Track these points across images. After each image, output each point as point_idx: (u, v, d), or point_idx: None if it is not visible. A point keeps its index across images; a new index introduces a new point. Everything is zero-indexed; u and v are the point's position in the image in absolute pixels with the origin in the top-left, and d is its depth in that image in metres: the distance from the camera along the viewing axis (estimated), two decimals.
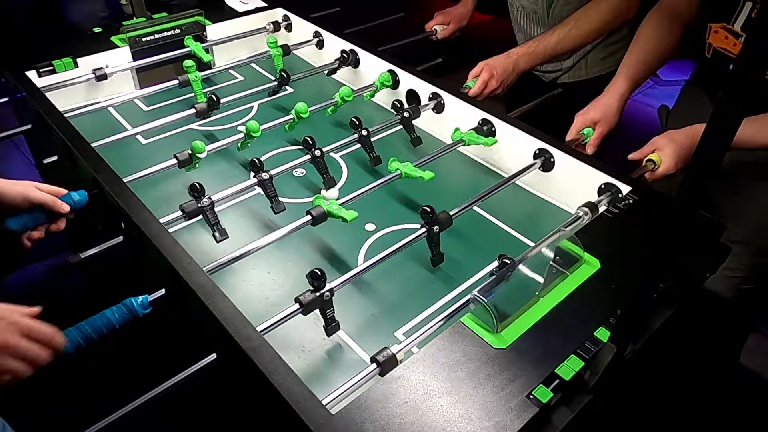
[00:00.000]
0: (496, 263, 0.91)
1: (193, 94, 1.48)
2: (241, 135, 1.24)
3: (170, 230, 0.94)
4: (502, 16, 1.77)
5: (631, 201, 1.03)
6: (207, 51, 1.57)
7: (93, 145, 1.13)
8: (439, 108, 1.38)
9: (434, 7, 1.99)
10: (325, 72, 1.57)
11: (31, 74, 1.37)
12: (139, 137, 1.35)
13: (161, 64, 1.52)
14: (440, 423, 0.68)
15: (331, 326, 0.88)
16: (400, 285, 1.01)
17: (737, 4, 1.18)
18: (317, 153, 1.16)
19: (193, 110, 1.31)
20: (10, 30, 2.38)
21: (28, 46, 1.47)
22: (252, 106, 1.49)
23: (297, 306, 0.84)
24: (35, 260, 1.75)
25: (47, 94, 1.29)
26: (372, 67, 1.51)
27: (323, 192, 1.20)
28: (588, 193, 1.12)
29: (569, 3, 1.53)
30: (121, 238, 0.99)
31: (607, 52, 1.62)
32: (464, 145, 1.24)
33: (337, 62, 1.56)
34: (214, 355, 0.80)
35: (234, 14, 1.72)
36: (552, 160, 1.19)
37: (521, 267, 0.87)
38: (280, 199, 1.12)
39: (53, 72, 1.40)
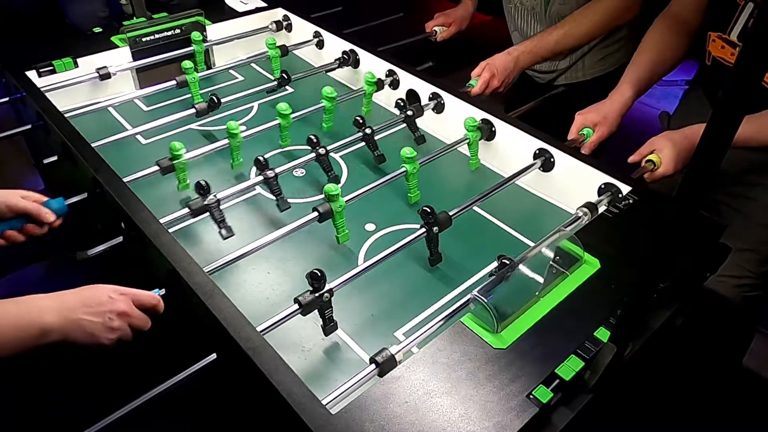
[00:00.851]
0: (496, 263, 0.91)
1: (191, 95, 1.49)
2: (237, 136, 1.24)
3: (170, 230, 0.94)
4: (501, 17, 1.77)
5: (631, 201, 1.03)
6: (207, 52, 1.57)
7: (93, 145, 1.13)
8: (439, 108, 1.38)
9: (434, 7, 1.99)
10: (325, 72, 1.57)
11: (31, 74, 1.37)
12: (139, 137, 1.35)
13: (161, 64, 1.52)
14: (440, 423, 0.68)
15: (329, 326, 0.89)
16: (400, 285, 1.01)
17: (733, 14, 1.18)
18: (321, 151, 1.17)
19: (193, 110, 1.31)
20: (11, 30, 2.38)
21: (28, 46, 1.47)
22: (252, 106, 1.49)
23: (296, 306, 0.84)
24: (35, 260, 1.75)
25: (47, 94, 1.29)
26: (372, 67, 1.51)
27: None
28: (588, 193, 1.12)
29: (566, 2, 1.53)
30: (121, 238, 0.99)
31: (605, 54, 1.62)
32: (468, 143, 1.25)
33: (337, 62, 1.56)
34: (214, 355, 0.80)
35: (234, 14, 1.72)
36: (552, 160, 1.19)
37: (521, 267, 0.87)
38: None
39: (53, 72, 1.40)
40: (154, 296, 0.84)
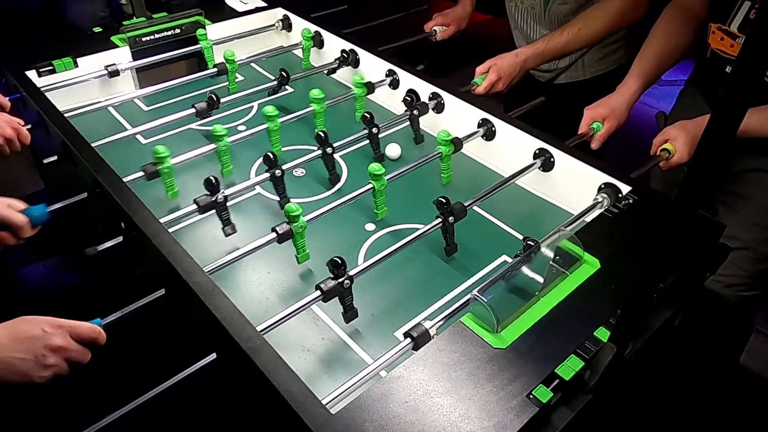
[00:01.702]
0: (496, 263, 0.91)
1: (192, 94, 1.49)
2: (241, 135, 1.24)
3: (170, 230, 0.94)
4: (501, 16, 1.77)
5: (631, 201, 1.03)
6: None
7: (93, 145, 1.13)
8: (439, 108, 1.38)
9: (434, 7, 1.99)
10: (325, 72, 1.57)
11: (31, 74, 1.37)
12: (139, 137, 1.35)
13: (161, 64, 1.52)
14: (440, 423, 0.68)
15: (350, 313, 0.91)
16: (400, 285, 1.01)
17: (734, 6, 1.18)
18: (329, 150, 1.18)
19: (193, 110, 1.31)
20: (11, 30, 2.38)
21: (28, 46, 1.47)
22: (252, 106, 1.49)
23: (318, 293, 0.85)
24: (36, 260, 1.75)
25: (47, 94, 1.29)
26: (372, 67, 1.51)
27: (387, 151, 1.28)
28: (588, 193, 1.12)
29: (565, 2, 1.53)
30: (120, 238, 0.99)
31: (605, 53, 1.62)
32: (440, 157, 1.19)
33: (337, 62, 1.56)
34: (214, 355, 0.80)
35: (234, 14, 1.72)
36: (552, 160, 1.19)
37: (521, 267, 0.87)
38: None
39: (53, 72, 1.40)
40: (93, 328, 0.79)
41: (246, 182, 1.09)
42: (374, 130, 1.25)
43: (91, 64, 1.45)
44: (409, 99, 1.35)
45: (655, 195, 1.07)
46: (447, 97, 1.36)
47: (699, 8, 1.28)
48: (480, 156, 1.33)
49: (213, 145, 1.19)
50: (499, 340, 0.78)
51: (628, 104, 1.29)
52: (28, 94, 1.28)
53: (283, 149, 1.33)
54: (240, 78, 1.61)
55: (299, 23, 1.71)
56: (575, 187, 1.16)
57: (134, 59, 1.50)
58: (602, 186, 1.11)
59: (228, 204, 1.04)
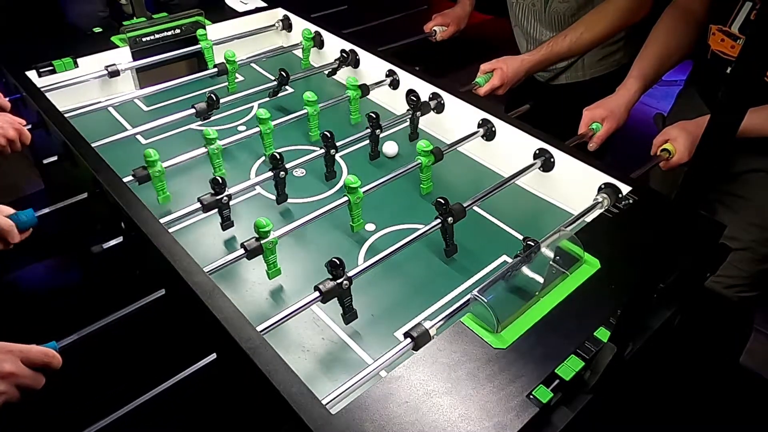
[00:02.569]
0: (496, 263, 0.91)
1: (192, 94, 1.49)
2: (241, 135, 1.24)
3: (170, 230, 0.94)
4: (501, 16, 1.77)
5: (631, 201, 1.03)
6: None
7: (93, 145, 1.13)
8: (439, 108, 1.38)
9: (434, 7, 1.99)
10: (326, 72, 1.57)
11: (31, 74, 1.37)
12: (139, 137, 1.35)
13: (161, 64, 1.52)
14: (440, 423, 0.68)
15: (349, 314, 0.90)
16: (400, 285, 1.01)
17: (734, 7, 1.18)
18: (332, 151, 1.19)
19: (193, 110, 1.31)
20: (11, 30, 2.38)
21: (28, 46, 1.47)
22: (252, 106, 1.49)
23: (317, 294, 0.85)
24: (35, 260, 1.75)
25: (47, 94, 1.29)
26: (372, 67, 1.51)
27: (385, 148, 1.29)
28: (588, 193, 1.12)
29: (565, 0, 1.53)
30: (121, 238, 0.99)
31: (605, 53, 1.62)
32: (420, 168, 1.17)
33: (337, 62, 1.56)
34: (214, 355, 0.80)
35: (234, 14, 1.72)
36: (552, 160, 1.19)
37: (521, 267, 0.87)
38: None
39: (53, 72, 1.40)
40: (46, 352, 0.75)
41: (248, 182, 1.09)
42: (377, 131, 1.25)
43: (91, 64, 1.45)
44: (414, 100, 1.35)
45: (655, 195, 1.07)
46: (447, 97, 1.36)
47: (699, 9, 1.28)
48: (480, 156, 1.33)
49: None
50: (499, 340, 0.78)
51: (627, 106, 1.29)
52: (28, 94, 1.28)
53: (283, 149, 1.33)
54: (240, 78, 1.61)
55: (299, 23, 1.71)
56: (575, 187, 1.16)
57: (134, 59, 1.50)
58: (602, 186, 1.11)
59: (233, 202, 1.05)
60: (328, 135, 1.17)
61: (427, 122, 1.39)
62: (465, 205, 1.04)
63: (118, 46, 1.51)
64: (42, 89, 1.31)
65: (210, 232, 1.10)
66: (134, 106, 1.48)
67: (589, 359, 0.75)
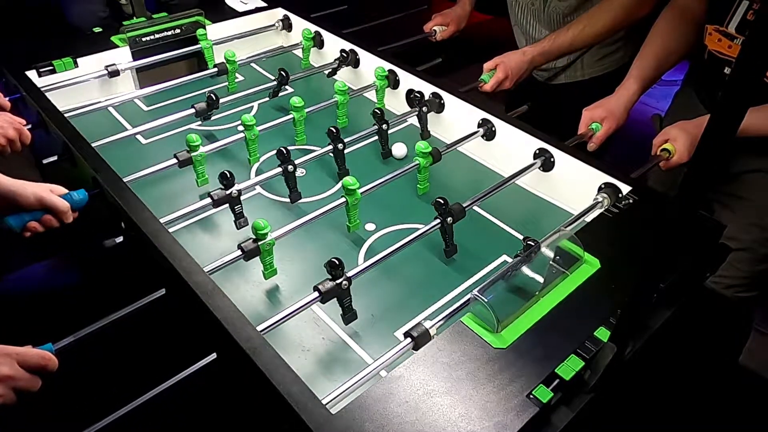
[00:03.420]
0: (496, 263, 0.91)
1: (192, 94, 1.49)
2: (241, 135, 1.24)
3: (170, 230, 0.94)
4: (501, 16, 1.77)
5: (631, 201, 1.03)
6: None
7: (93, 145, 1.13)
8: (439, 108, 1.38)
9: (434, 7, 1.99)
10: (326, 72, 1.57)
11: (31, 74, 1.37)
12: (139, 137, 1.35)
13: (161, 64, 1.52)
14: (440, 423, 0.68)
15: (348, 315, 0.90)
16: (400, 285, 1.01)
17: (731, 6, 1.18)
18: (340, 146, 1.19)
19: (193, 110, 1.31)
20: (11, 29, 2.38)
21: (28, 46, 1.47)
22: (252, 106, 1.49)
23: (316, 294, 0.85)
24: (35, 260, 1.75)
25: (47, 94, 1.29)
26: (372, 67, 1.51)
27: (394, 150, 1.29)
28: (588, 193, 1.12)
29: None
30: (121, 238, 0.99)
31: (604, 53, 1.62)
32: (417, 169, 1.17)
33: (337, 62, 1.56)
34: (214, 355, 0.80)
35: (234, 14, 1.72)
36: (552, 160, 1.19)
37: (521, 267, 0.87)
38: (281, 198, 1.12)
39: (53, 72, 1.40)
40: (44, 356, 0.75)
41: (258, 177, 1.12)
42: (384, 126, 1.25)
43: (91, 64, 1.45)
44: (418, 97, 1.35)
45: (655, 195, 1.07)
46: (447, 97, 1.36)
47: (697, 9, 1.28)
48: (480, 156, 1.34)
49: (214, 145, 1.19)
50: (499, 340, 0.78)
51: (626, 106, 1.29)
52: (28, 94, 1.28)
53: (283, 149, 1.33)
54: (240, 78, 1.61)
55: (299, 23, 1.71)
56: (575, 187, 1.16)
57: (134, 59, 1.50)
58: (602, 186, 1.11)
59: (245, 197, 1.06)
60: (334, 130, 1.18)
61: (427, 122, 1.39)
62: (465, 205, 1.04)
63: (118, 46, 1.51)
64: (42, 89, 1.31)
65: (210, 232, 1.10)
66: (134, 106, 1.48)
67: (589, 359, 0.75)
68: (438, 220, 1.01)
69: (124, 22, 1.53)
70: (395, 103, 1.48)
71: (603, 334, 0.78)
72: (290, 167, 1.11)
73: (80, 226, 1.05)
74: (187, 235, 1.10)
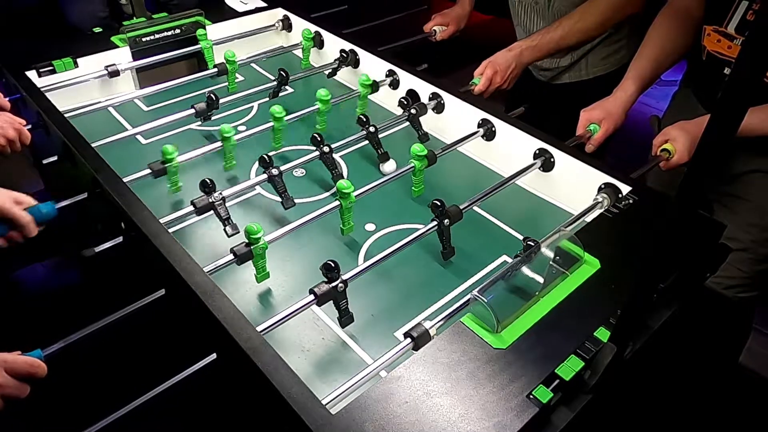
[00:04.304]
0: (496, 263, 0.91)
1: (192, 94, 1.49)
2: (241, 135, 1.24)
3: (170, 230, 0.94)
4: (502, 16, 1.77)
5: (631, 201, 1.03)
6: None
7: (93, 145, 1.13)
8: (439, 108, 1.38)
9: (434, 7, 1.99)
10: (326, 73, 1.57)
11: (31, 74, 1.37)
12: (139, 137, 1.35)
13: (161, 64, 1.52)
14: (440, 423, 0.68)
15: (345, 318, 0.90)
16: (399, 285, 1.01)
17: (729, 7, 1.18)
18: (325, 150, 1.17)
19: (192, 110, 1.31)
20: (11, 30, 2.38)
21: (28, 46, 1.47)
22: (252, 106, 1.49)
23: (312, 297, 0.84)
24: (35, 260, 1.75)
25: (47, 94, 1.29)
26: (372, 67, 1.51)
27: (381, 167, 1.26)
28: (588, 193, 1.12)
29: None
30: (121, 238, 0.99)
31: (608, 52, 1.61)
32: (413, 171, 1.16)
33: (337, 62, 1.56)
34: (214, 355, 0.80)
35: (234, 14, 1.72)
36: (552, 160, 1.19)
37: (521, 267, 0.87)
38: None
39: (53, 72, 1.40)
40: (32, 363, 0.73)
41: (243, 183, 1.09)
42: (371, 129, 1.25)
43: (91, 64, 1.45)
44: (405, 101, 1.34)
45: (655, 195, 1.07)
46: (447, 97, 1.36)
47: (695, 9, 1.28)
48: (480, 156, 1.34)
49: (214, 145, 1.19)
50: (499, 340, 0.78)
51: (624, 107, 1.29)
52: (28, 94, 1.28)
53: (284, 149, 1.33)
54: (240, 78, 1.61)
55: (299, 23, 1.71)
56: (575, 187, 1.16)
57: (134, 59, 1.50)
58: (602, 186, 1.11)
59: (228, 204, 1.04)
60: (318, 137, 1.17)
61: (426, 122, 1.39)
62: (463, 206, 1.03)
63: (118, 46, 1.51)
64: (42, 89, 1.31)
65: (210, 232, 1.10)
66: (134, 106, 1.48)
67: (589, 359, 0.75)
68: (435, 223, 1.00)
69: (124, 23, 1.53)
70: (396, 103, 1.47)
71: (603, 334, 0.78)
72: (274, 171, 1.10)
73: (80, 226, 1.05)
74: (187, 235, 1.10)
